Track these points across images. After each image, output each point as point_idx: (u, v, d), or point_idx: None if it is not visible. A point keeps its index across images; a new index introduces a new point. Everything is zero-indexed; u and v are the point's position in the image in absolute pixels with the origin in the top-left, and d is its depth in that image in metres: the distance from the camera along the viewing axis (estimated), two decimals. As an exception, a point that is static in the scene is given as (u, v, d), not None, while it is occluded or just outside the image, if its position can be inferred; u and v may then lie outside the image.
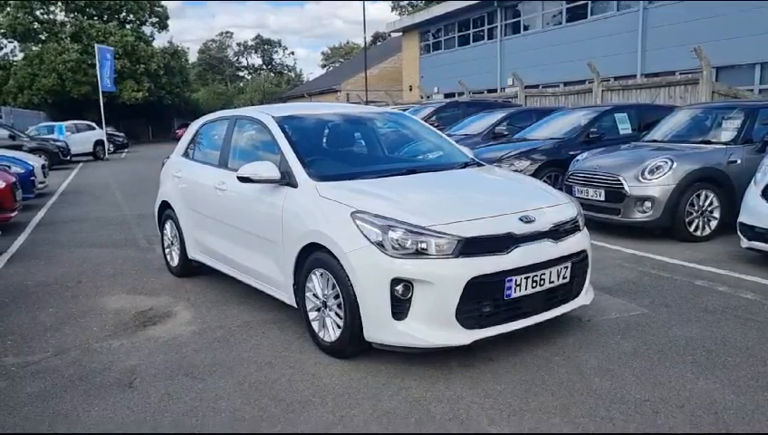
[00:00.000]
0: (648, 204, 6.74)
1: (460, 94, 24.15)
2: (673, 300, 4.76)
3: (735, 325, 4.17)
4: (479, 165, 4.83)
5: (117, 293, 5.45)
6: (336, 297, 3.69)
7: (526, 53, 24.35)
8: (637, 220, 6.86)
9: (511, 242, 3.54)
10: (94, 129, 26.32)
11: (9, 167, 10.50)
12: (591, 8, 21.66)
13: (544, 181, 8.85)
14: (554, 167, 8.84)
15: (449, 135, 12.31)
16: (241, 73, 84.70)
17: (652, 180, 6.74)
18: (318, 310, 3.88)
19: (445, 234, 3.42)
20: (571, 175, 7.71)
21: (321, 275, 3.78)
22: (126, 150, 32.86)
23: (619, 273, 5.61)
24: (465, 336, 3.44)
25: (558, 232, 3.79)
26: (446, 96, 27.56)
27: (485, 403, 3.17)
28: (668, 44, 17.81)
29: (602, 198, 7.14)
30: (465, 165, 4.72)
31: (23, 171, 10.75)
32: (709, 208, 6.83)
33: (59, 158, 20.43)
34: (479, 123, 12.13)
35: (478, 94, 23.90)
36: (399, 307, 3.42)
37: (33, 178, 11.11)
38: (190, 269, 5.73)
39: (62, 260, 6.80)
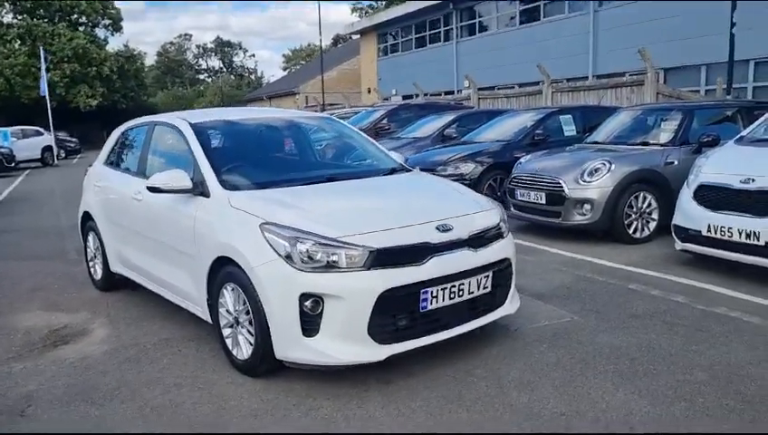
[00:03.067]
0: (587, 206, 6.72)
1: (418, 96, 24.12)
2: (603, 305, 4.70)
3: (662, 331, 4.12)
4: (407, 171, 4.69)
5: (33, 310, 5.16)
6: (247, 313, 3.50)
7: (482, 54, 24.44)
8: (576, 223, 6.83)
9: (427, 252, 3.40)
10: (42, 134, 25.52)
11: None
12: (544, 11, 21.84)
13: (490, 185, 8.86)
14: (500, 169, 8.79)
15: (399, 138, 12.26)
16: (201, 76, 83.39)
17: (591, 183, 6.72)
18: (231, 326, 3.70)
19: (355, 245, 3.27)
20: (514, 178, 7.65)
21: (233, 289, 3.60)
22: (78, 156, 31.91)
23: (555, 277, 5.54)
24: (379, 352, 3.29)
25: (478, 240, 3.66)
26: (405, 98, 27.46)
27: (396, 422, 3.03)
28: (619, 46, 18.02)
29: (543, 202, 7.09)
30: (393, 171, 4.59)
31: (-48, 180, 10.26)
32: (648, 210, 6.84)
33: (3, 165, 19.74)
34: (429, 126, 12.05)
35: (436, 96, 23.90)
36: (310, 323, 3.26)
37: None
38: (114, 283, 5.46)
39: (-19, 275, 6.44)
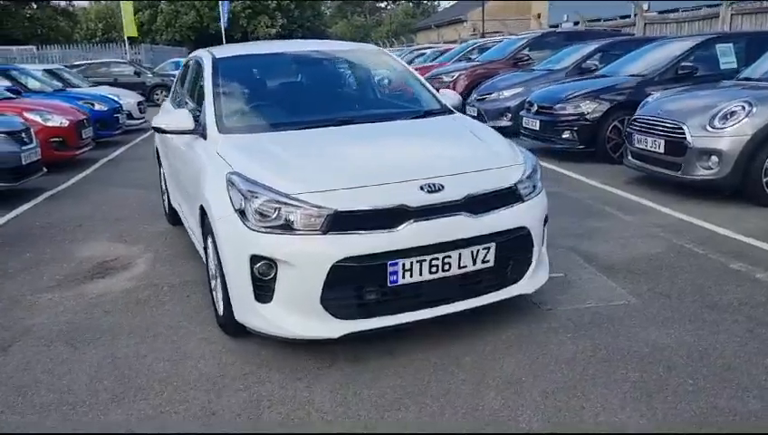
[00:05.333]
0: (714, 158, 5.48)
1: (595, 21, 21.81)
2: (681, 288, 3.77)
3: (737, 331, 3.19)
4: (449, 113, 4.04)
5: (101, 239, 5.40)
6: (218, 269, 3.25)
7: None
8: (699, 178, 5.62)
9: (403, 216, 2.85)
10: (218, 64, 27.24)
11: (93, 104, 11.00)
12: None
13: (615, 127, 7.69)
14: (629, 109, 7.50)
15: (533, 70, 11.11)
16: (381, 5, 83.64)
17: (722, 129, 5.45)
18: (215, 279, 3.48)
19: (312, 205, 2.82)
20: (634, 121, 6.50)
21: (212, 242, 3.35)
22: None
23: (643, 245, 4.61)
24: (336, 328, 2.87)
25: (481, 204, 3.01)
26: (576, 24, 25.11)
27: (331, 412, 2.62)
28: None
29: (661, 150, 5.93)
30: (426, 114, 3.97)
31: (105, 109, 11.19)
32: (799, 166, 5.44)
33: (175, 93, 21.37)
34: (570, 57, 10.74)
35: (609, 23, 21.44)
36: (263, 289, 2.92)
37: (117, 115, 11.53)
38: (177, 217, 5.52)
39: (88, 200, 6.92)
